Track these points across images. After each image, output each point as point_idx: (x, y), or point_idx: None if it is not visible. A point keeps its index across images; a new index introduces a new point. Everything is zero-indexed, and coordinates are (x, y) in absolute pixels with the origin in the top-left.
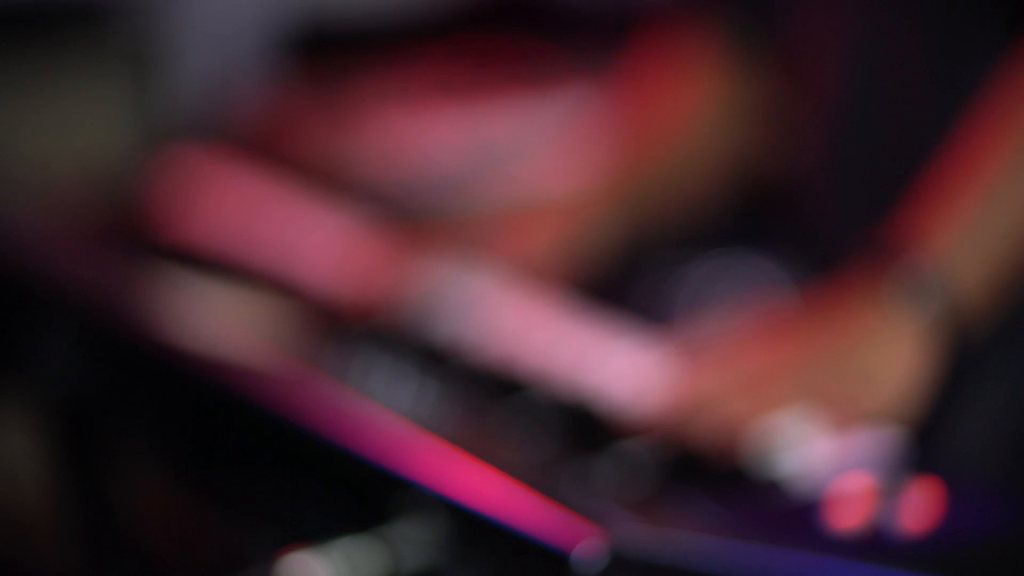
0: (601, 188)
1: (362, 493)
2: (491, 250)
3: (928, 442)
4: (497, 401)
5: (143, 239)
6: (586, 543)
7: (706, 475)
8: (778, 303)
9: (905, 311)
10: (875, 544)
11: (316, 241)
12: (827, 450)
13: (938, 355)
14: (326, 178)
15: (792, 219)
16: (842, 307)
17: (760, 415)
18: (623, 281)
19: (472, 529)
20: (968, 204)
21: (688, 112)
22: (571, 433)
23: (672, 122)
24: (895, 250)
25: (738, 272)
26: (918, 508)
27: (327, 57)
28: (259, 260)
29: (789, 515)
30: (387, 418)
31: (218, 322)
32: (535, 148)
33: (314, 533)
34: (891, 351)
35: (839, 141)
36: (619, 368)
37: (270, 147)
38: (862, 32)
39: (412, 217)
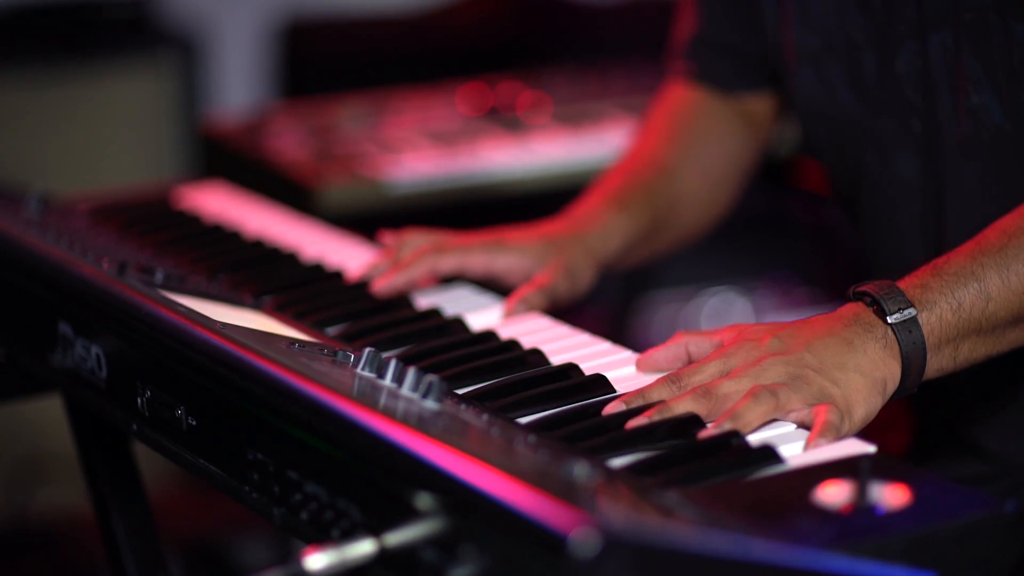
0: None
1: (359, 492)
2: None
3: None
4: (496, 389)
5: (171, 234)
6: (580, 530)
7: None
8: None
9: (877, 328)
10: (854, 533)
11: (316, 240)
12: None
13: (898, 373)
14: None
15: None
16: (829, 318)
17: None
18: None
19: (468, 517)
20: (959, 266)
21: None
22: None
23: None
24: (883, 281)
25: (741, 307)
26: (891, 501)
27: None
28: (267, 256)
29: (776, 504)
30: (384, 413)
31: (231, 318)
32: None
33: (318, 531)
34: (860, 359)
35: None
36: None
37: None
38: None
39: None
